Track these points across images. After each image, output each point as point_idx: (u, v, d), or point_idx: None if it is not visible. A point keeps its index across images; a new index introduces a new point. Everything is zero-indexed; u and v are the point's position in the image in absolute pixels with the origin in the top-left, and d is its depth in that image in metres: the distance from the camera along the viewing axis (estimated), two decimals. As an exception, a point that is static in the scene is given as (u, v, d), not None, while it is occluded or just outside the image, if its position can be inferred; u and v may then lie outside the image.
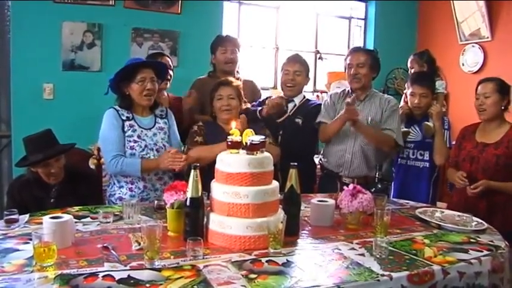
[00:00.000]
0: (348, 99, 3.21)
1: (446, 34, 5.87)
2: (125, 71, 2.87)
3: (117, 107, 2.95)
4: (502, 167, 2.99)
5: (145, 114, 3.00)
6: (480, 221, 2.51)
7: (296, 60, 3.59)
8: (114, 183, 2.98)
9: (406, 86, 3.77)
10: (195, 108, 3.64)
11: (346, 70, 3.44)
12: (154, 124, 3.01)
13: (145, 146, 2.91)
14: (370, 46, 6.01)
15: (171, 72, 3.65)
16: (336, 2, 6.15)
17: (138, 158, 2.87)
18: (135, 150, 2.88)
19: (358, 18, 6.32)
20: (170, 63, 3.69)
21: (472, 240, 2.27)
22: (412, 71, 4.55)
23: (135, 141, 2.89)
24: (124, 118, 2.92)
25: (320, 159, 3.65)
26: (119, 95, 2.95)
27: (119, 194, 2.94)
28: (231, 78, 3.28)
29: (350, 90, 3.47)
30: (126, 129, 2.90)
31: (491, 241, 2.25)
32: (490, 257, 2.05)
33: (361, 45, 6.17)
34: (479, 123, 3.21)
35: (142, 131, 2.94)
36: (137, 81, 2.86)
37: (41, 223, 2.08)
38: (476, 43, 5.57)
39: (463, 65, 5.71)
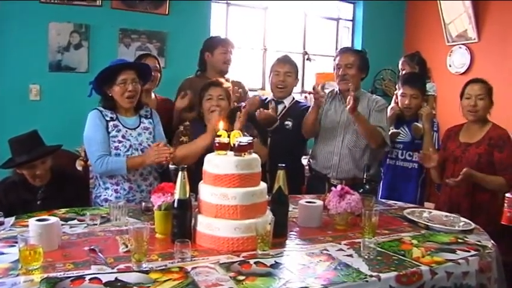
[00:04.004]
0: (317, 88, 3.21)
1: (433, 35, 5.92)
2: (105, 74, 2.86)
3: (100, 108, 2.93)
4: (484, 166, 3.02)
5: (130, 115, 2.98)
6: (468, 221, 2.53)
7: (286, 61, 3.59)
8: (100, 185, 2.97)
9: (397, 87, 3.79)
10: (185, 108, 3.63)
11: (335, 71, 3.43)
12: (139, 124, 2.99)
13: (130, 146, 2.89)
14: (358, 47, 6.01)
15: (158, 74, 3.63)
16: (323, 3, 6.16)
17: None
18: (119, 151, 2.86)
19: (346, 20, 6.35)
20: (157, 64, 3.67)
21: (459, 240, 2.28)
22: (403, 72, 4.57)
23: (119, 142, 2.88)
24: (108, 118, 2.90)
25: (308, 161, 3.65)
26: (102, 96, 2.94)
27: (105, 195, 2.92)
28: (221, 79, 3.27)
29: (338, 91, 3.47)
30: (110, 129, 2.88)
31: (479, 241, 2.27)
32: (478, 257, 2.06)
33: (349, 46, 6.19)
34: (463, 124, 3.23)
35: (126, 131, 2.92)
36: (118, 83, 2.84)
37: (27, 226, 2.06)
38: (463, 44, 5.62)
39: (450, 66, 5.76)
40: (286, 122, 3.48)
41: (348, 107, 3.11)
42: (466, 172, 2.91)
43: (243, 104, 3.44)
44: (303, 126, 3.43)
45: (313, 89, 3.21)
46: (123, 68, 2.88)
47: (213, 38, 3.93)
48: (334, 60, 3.46)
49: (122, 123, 2.92)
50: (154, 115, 3.10)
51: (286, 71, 3.53)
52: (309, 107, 3.56)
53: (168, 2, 4.84)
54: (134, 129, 2.96)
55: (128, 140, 2.90)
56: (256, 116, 3.35)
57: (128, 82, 2.85)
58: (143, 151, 2.90)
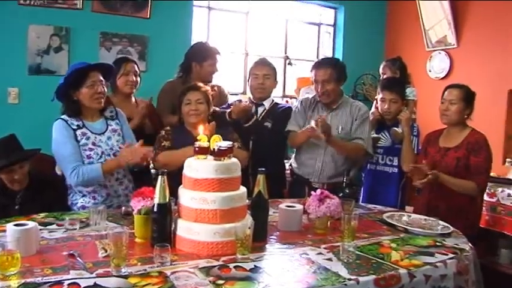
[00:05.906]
0: (313, 124, 3.13)
1: (413, 41, 5.98)
2: (74, 76, 2.76)
3: (65, 117, 2.82)
4: (462, 169, 3.05)
5: (96, 119, 2.90)
6: (446, 224, 2.55)
7: (264, 63, 3.61)
8: (76, 192, 2.87)
9: (377, 92, 3.82)
10: (166, 111, 3.61)
11: (314, 84, 3.43)
12: (107, 127, 2.92)
13: (102, 152, 2.82)
14: (339, 52, 6.12)
15: (138, 78, 3.60)
16: (305, 8, 6.20)
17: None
18: (92, 159, 2.78)
19: (327, 25, 6.39)
20: (136, 68, 3.63)
21: (438, 243, 2.31)
22: (384, 77, 4.60)
23: (90, 149, 2.79)
24: (74, 127, 2.80)
25: (290, 165, 3.66)
26: (65, 101, 2.84)
27: (82, 202, 2.84)
28: (199, 83, 3.26)
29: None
30: (79, 138, 2.79)
31: (457, 244, 2.30)
32: (455, 259, 2.09)
33: (331, 51, 6.28)
34: (443, 129, 3.26)
35: (96, 137, 2.84)
36: (87, 85, 2.75)
37: (5, 231, 2.03)
38: (442, 50, 5.69)
39: (430, 71, 5.83)
40: (266, 123, 3.48)
41: (324, 139, 3.17)
42: (432, 174, 2.94)
43: (228, 110, 3.44)
44: (291, 139, 3.46)
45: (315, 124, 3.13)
46: (91, 70, 2.80)
47: (202, 48, 3.82)
48: (311, 71, 3.45)
49: (89, 130, 2.83)
50: (120, 115, 3.05)
51: (264, 73, 3.54)
52: (289, 108, 3.59)
53: (149, 5, 4.83)
54: (103, 133, 2.88)
55: (99, 146, 2.83)
56: (232, 111, 3.36)
57: (96, 84, 2.78)
58: (116, 155, 2.83)
